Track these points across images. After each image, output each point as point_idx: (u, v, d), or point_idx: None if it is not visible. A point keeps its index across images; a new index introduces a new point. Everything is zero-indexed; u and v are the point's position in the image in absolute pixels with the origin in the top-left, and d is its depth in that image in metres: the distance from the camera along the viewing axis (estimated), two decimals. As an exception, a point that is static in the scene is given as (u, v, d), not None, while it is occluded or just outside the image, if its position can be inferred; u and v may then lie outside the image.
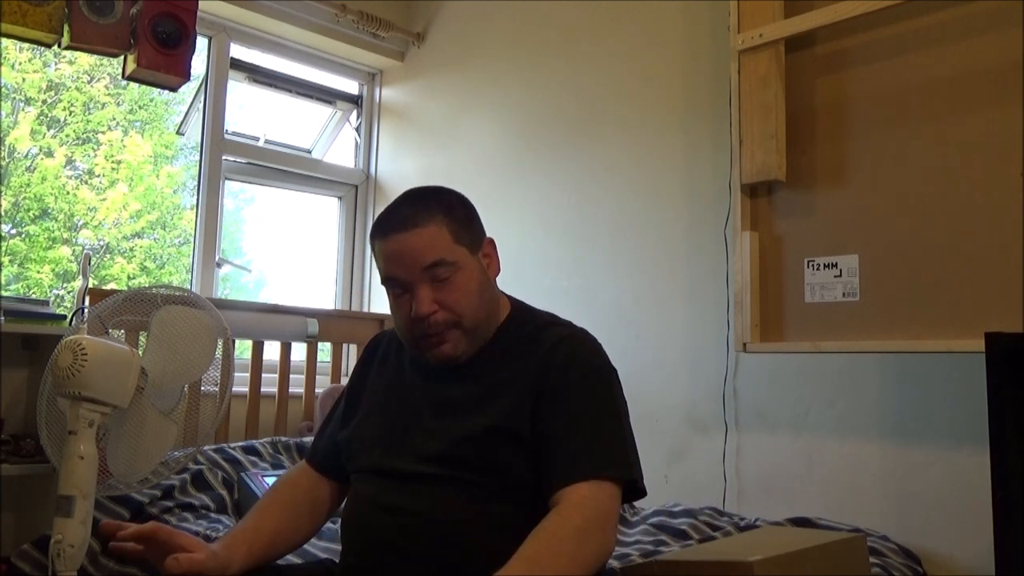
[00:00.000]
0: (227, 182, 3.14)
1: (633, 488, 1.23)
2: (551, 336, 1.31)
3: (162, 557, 1.19)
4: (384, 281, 1.30)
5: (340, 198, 3.51)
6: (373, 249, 1.32)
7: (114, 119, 3.76)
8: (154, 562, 1.22)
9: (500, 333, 1.34)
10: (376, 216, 1.35)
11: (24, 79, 3.48)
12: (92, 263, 3.13)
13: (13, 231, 3.40)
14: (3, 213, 3.24)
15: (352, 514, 1.33)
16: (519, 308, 1.40)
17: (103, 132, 3.71)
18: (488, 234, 1.37)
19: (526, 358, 1.29)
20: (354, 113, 3.55)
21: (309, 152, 3.46)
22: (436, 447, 1.25)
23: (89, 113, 3.69)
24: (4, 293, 2.49)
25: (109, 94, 3.76)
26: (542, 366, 1.26)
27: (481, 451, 1.23)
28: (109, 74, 3.69)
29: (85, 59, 3.54)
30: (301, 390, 2.85)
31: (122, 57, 2.53)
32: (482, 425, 1.24)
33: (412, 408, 1.33)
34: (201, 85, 3.09)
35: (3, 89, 3.18)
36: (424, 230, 1.25)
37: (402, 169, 3.40)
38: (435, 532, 1.21)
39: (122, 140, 3.73)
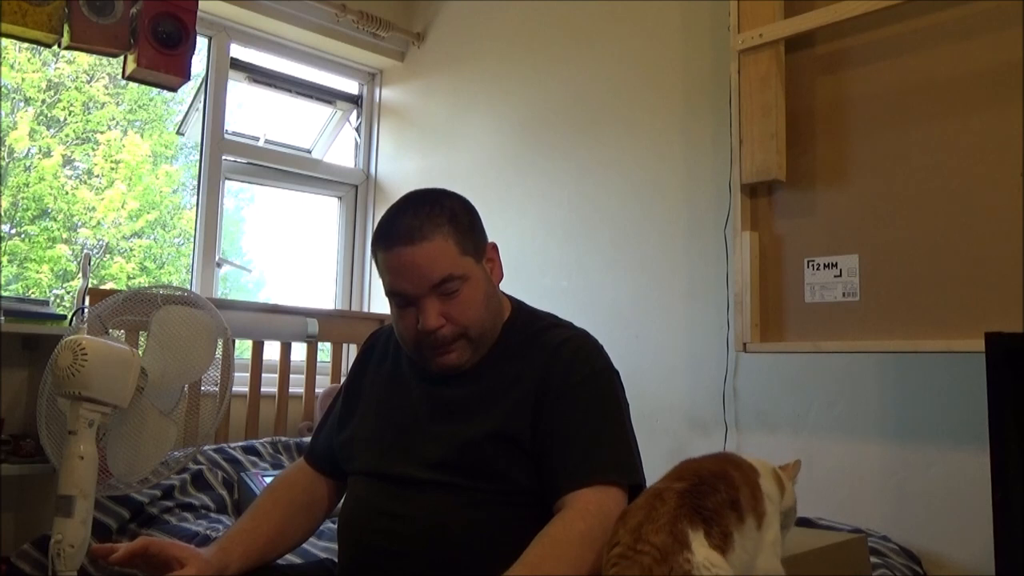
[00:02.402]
0: (227, 182, 3.14)
1: (637, 492, 1.22)
2: (553, 338, 1.30)
3: (155, 570, 1.19)
4: (389, 294, 1.28)
5: (340, 198, 3.51)
6: (375, 258, 1.29)
7: (113, 119, 3.75)
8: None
9: (501, 334, 1.33)
10: (377, 218, 1.34)
11: (23, 79, 3.48)
12: (91, 263, 3.13)
13: (12, 231, 3.39)
14: (3, 213, 3.24)
15: (349, 517, 1.32)
16: (519, 308, 1.39)
17: (102, 132, 3.70)
18: (489, 234, 1.37)
19: (527, 360, 1.28)
20: (354, 113, 3.55)
21: (309, 152, 3.46)
22: (436, 453, 1.24)
23: (88, 113, 3.69)
24: (4, 293, 2.49)
25: (108, 94, 3.76)
26: (544, 369, 1.25)
27: (481, 457, 1.22)
28: (108, 74, 3.69)
29: (84, 58, 3.54)
30: (301, 390, 2.85)
31: (122, 57, 2.53)
32: (482, 431, 1.23)
33: (411, 410, 1.32)
34: (201, 85, 3.09)
35: (3, 89, 3.17)
36: (430, 244, 1.22)
37: (402, 169, 3.40)
38: (434, 537, 1.20)
39: (121, 140, 3.73)
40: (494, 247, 1.36)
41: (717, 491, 0.94)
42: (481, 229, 1.33)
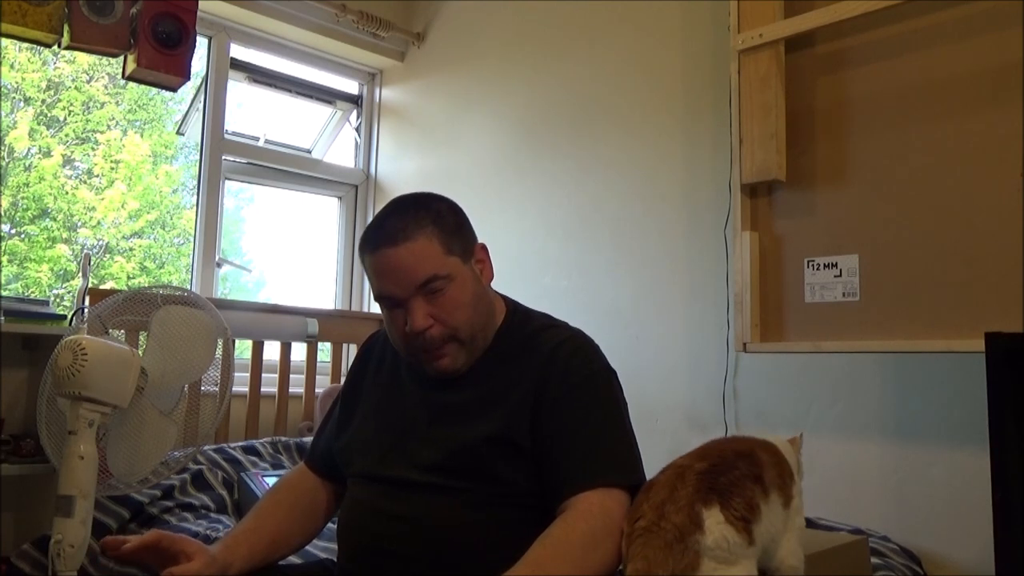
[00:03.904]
0: (227, 182, 3.14)
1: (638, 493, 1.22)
2: (549, 340, 1.29)
3: (163, 563, 1.19)
4: (377, 298, 1.28)
5: (340, 198, 3.51)
6: (363, 262, 1.29)
7: (113, 118, 3.75)
8: (155, 569, 1.21)
9: (497, 337, 1.33)
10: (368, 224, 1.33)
11: (23, 79, 3.48)
12: (91, 263, 3.13)
13: (12, 231, 3.39)
14: (3, 213, 3.24)
15: (348, 519, 1.33)
16: (514, 309, 1.39)
17: (102, 132, 3.70)
18: (488, 234, 1.36)
19: (523, 363, 1.27)
20: (354, 113, 3.55)
21: (309, 152, 3.46)
22: (434, 456, 1.24)
23: (88, 113, 3.69)
24: (4, 293, 2.49)
25: (108, 93, 3.76)
26: (541, 372, 1.25)
27: (479, 461, 1.22)
28: (108, 74, 3.69)
29: (84, 58, 3.54)
30: (301, 390, 2.85)
31: (122, 57, 2.53)
32: (481, 435, 1.23)
33: (408, 414, 1.32)
34: (201, 85, 3.09)
35: (3, 89, 3.17)
36: (415, 244, 1.22)
37: (402, 169, 3.40)
38: (433, 539, 1.20)
39: (121, 140, 3.73)
40: (483, 248, 1.35)
41: (736, 468, 1.02)
42: (469, 230, 1.33)
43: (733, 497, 0.98)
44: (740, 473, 1.01)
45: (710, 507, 0.96)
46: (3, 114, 3.22)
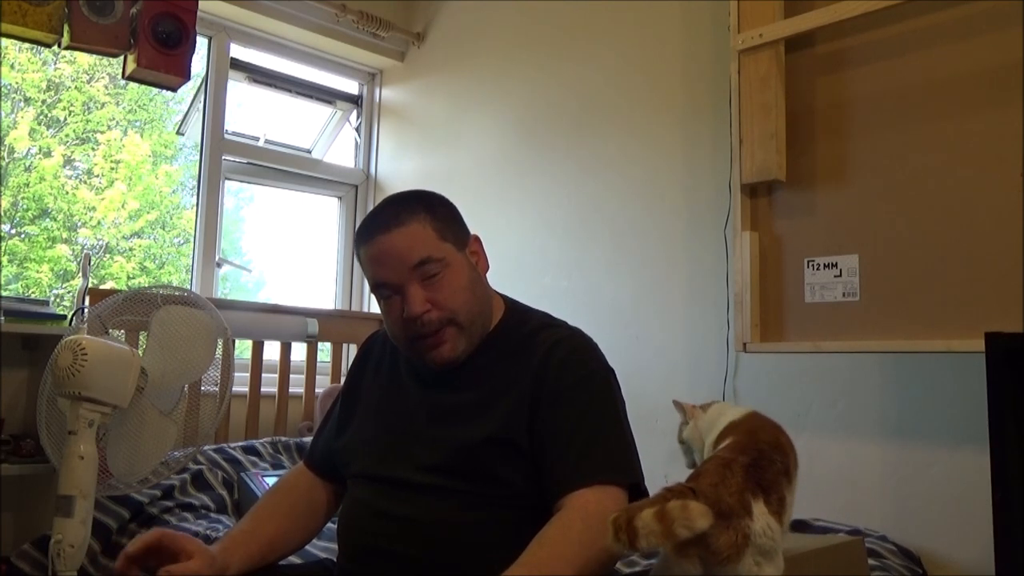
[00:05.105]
0: (227, 182, 3.14)
1: (636, 491, 1.22)
2: (546, 339, 1.29)
3: (163, 562, 1.18)
4: (374, 288, 1.29)
5: (340, 198, 3.51)
6: (359, 257, 1.30)
7: (113, 119, 3.76)
8: (156, 569, 1.21)
9: (495, 335, 1.33)
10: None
11: (23, 79, 3.48)
12: (91, 263, 3.13)
13: (12, 231, 3.39)
14: (3, 213, 3.24)
15: (348, 519, 1.33)
16: (513, 308, 1.39)
17: (102, 132, 3.70)
18: (488, 234, 1.36)
19: (521, 363, 1.27)
20: (354, 113, 3.55)
21: (309, 152, 3.46)
22: (433, 457, 1.24)
23: (88, 113, 3.69)
24: (4, 293, 2.49)
25: (109, 94, 3.76)
26: (538, 371, 1.25)
27: (479, 462, 1.22)
28: (108, 74, 3.69)
29: (84, 58, 3.54)
30: (301, 390, 2.85)
31: (122, 57, 2.53)
32: (480, 435, 1.22)
33: (408, 414, 1.32)
34: (201, 85, 3.09)
35: (3, 89, 3.17)
36: (407, 228, 1.24)
37: (402, 169, 3.40)
38: (432, 539, 1.20)
39: (121, 140, 3.73)
40: (477, 240, 1.36)
41: (774, 463, 1.06)
42: (462, 223, 1.34)
43: (772, 494, 1.02)
44: (776, 469, 1.05)
45: (756, 498, 1.00)
46: (3, 114, 3.22)
